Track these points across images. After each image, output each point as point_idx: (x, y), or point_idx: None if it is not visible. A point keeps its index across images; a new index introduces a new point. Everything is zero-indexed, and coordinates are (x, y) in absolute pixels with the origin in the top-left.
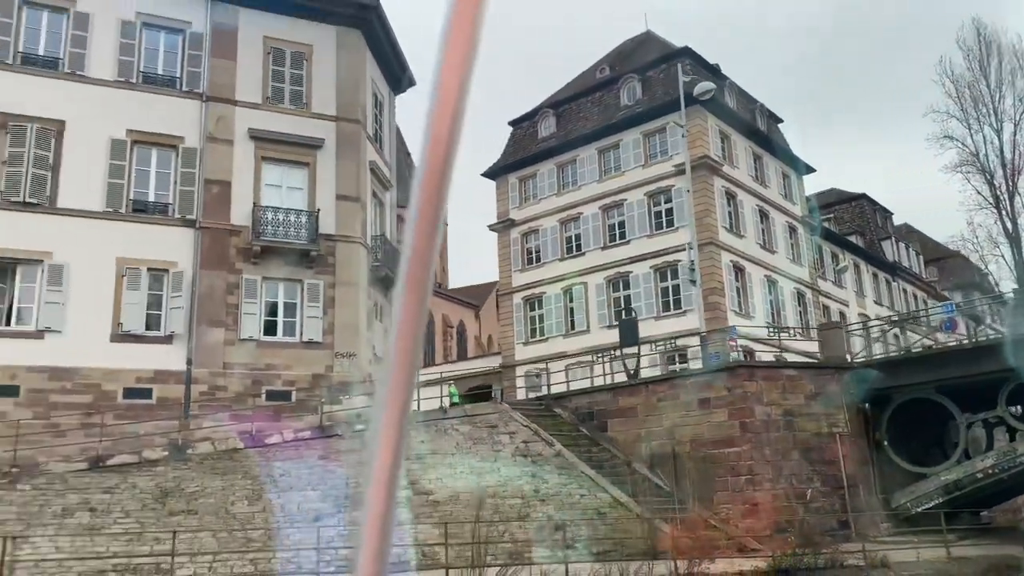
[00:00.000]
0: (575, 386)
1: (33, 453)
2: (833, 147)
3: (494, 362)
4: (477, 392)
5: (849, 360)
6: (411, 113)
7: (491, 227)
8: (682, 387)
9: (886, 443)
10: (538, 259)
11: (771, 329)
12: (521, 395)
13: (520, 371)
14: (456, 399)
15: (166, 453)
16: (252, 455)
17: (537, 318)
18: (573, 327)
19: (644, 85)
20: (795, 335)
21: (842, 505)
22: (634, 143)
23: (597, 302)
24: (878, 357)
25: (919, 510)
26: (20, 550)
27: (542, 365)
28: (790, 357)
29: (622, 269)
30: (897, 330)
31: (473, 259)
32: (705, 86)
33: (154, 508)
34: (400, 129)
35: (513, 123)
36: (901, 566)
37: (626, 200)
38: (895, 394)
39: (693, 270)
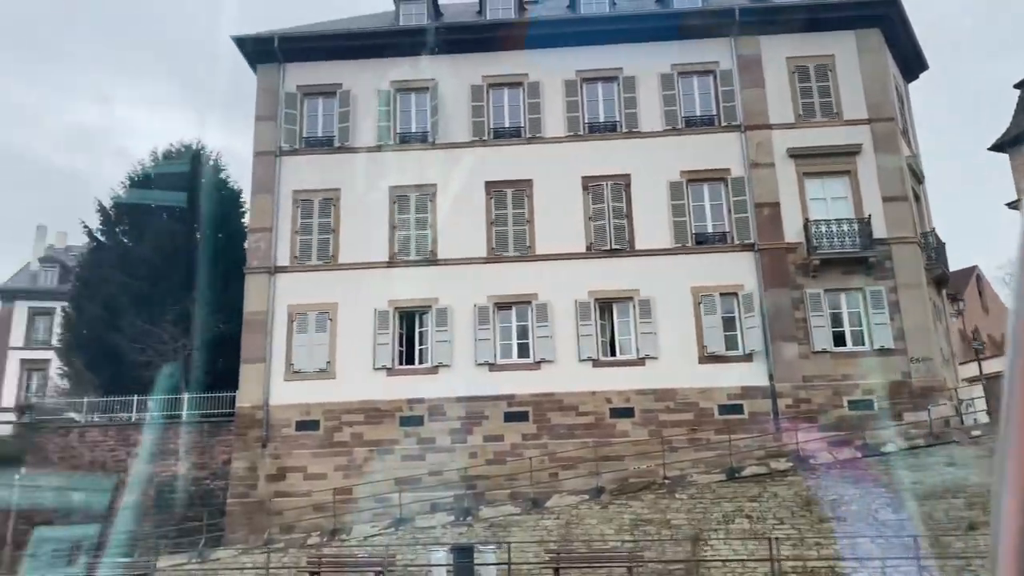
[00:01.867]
0: None
1: (656, 467)
2: None
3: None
4: None
5: None
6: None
7: (1011, 205)
8: None
9: None
10: None
11: None
12: None
13: None
14: None
15: (791, 464)
16: (872, 464)
17: None
18: None
19: None
20: None
21: None
22: None
23: None
24: None
25: None
26: (703, 552)
27: None
28: None
29: None
30: None
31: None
32: None
33: (803, 515)
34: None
35: (1020, 85)
36: None
37: None
38: None
39: None
